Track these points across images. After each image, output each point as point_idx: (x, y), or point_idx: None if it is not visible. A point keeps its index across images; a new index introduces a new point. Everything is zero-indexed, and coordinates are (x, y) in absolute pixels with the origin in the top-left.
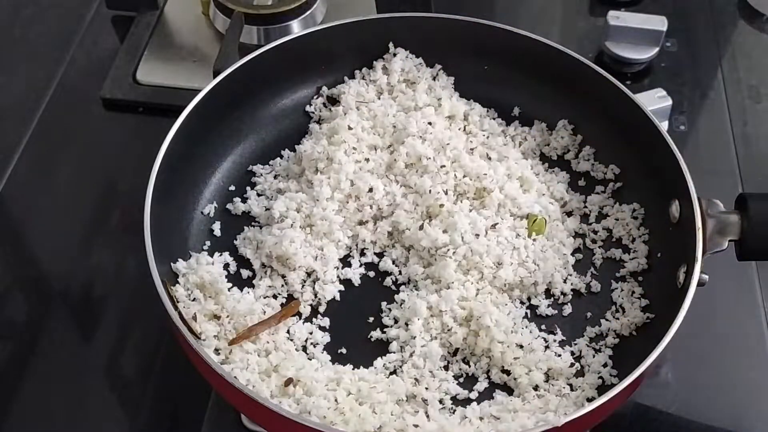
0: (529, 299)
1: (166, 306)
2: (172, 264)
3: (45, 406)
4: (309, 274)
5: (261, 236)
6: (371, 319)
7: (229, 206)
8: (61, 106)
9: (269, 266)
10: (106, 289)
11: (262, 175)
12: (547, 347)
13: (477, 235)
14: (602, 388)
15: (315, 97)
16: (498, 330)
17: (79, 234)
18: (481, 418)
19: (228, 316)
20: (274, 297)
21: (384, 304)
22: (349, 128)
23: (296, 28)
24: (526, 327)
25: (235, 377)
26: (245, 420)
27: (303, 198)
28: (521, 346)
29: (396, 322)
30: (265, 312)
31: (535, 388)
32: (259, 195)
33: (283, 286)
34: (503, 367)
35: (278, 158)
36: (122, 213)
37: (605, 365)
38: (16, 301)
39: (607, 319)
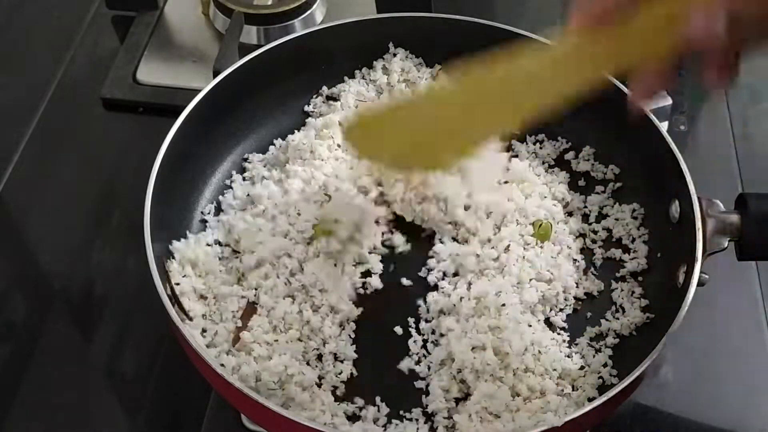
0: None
1: (166, 306)
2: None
3: (45, 406)
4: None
5: (234, 221)
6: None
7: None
8: (61, 106)
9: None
10: (106, 289)
11: (252, 161)
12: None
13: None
14: (602, 388)
15: (315, 96)
16: (516, 357)
17: (79, 234)
18: (481, 418)
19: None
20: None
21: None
22: (340, 124)
23: (296, 28)
24: (547, 345)
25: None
26: (245, 420)
27: (276, 188)
28: (539, 359)
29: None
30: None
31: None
32: (244, 180)
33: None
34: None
35: (271, 146)
36: (122, 213)
37: (605, 365)
38: (16, 301)
39: (607, 319)
